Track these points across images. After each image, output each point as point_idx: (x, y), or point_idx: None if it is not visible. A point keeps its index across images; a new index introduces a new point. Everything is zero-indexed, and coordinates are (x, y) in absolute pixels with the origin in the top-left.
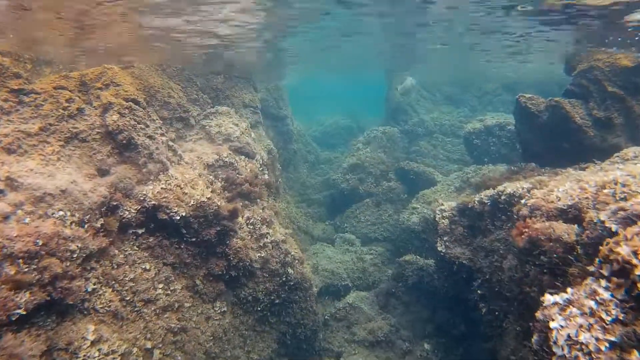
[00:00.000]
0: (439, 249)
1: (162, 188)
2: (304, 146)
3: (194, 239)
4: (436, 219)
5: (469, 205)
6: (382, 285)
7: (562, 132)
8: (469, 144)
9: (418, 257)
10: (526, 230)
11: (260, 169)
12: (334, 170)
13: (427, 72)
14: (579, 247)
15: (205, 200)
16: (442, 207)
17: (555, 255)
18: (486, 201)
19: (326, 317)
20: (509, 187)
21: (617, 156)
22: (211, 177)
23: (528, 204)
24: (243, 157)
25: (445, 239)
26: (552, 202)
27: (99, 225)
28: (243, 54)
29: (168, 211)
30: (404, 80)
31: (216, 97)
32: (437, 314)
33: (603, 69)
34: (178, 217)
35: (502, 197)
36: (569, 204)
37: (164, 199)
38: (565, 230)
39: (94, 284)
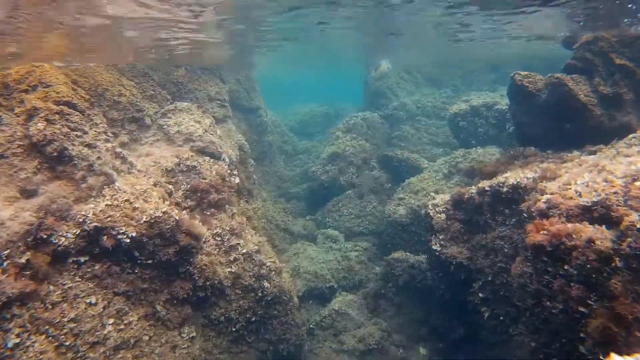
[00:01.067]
0: (434, 247)
1: (106, 205)
2: (280, 137)
3: (150, 261)
4: (430, 214)
5: (464, 197)
6: (371, 285)
7: (564, 112)
8: (454, 126)
9: (408, 253)
10: (544, 232)
11: (229, 170)
12: (312, 161)
13: (406, 53)
14: (617, 258)
15: (161, 215)
16: (435, 202)
17: (588, 267)
18: (486, 192)
19: (311, 325)
20: (512, 177)
21: (634, 137)
22: (170, 184)
23: (542, 200)
24: (207, 158)
25: (440, 237)
26: (572, 198)
27: (24, 262)
28: (206, 46)
29: (115, 232)
30: (378, 64)
31: (177, 92)
32: (432, 317)
33: (609, 39)
34: (128, 239)
35: (505, 189)
36: (594, 200)
37: (109, 219)
38: (597, 236)
39: (17, 336)
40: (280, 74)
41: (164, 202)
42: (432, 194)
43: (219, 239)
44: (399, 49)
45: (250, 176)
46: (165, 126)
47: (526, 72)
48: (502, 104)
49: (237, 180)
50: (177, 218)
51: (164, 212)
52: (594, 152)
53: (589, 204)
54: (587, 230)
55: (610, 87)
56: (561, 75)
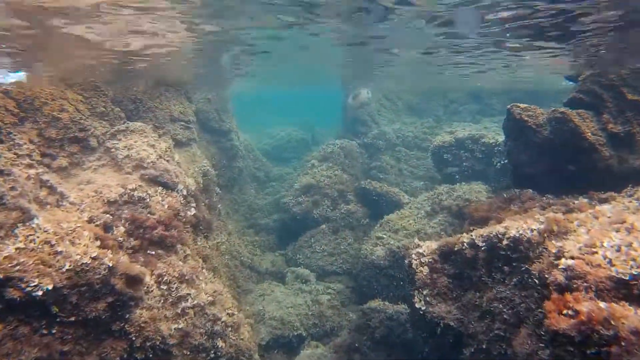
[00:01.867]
0: (417, 305)
1: (16, 249)
2: (252, 162)
3: (73, 318)
4: (412, 265)
5: (455, 248)
6: (344, 335)
7: (567, 151)
8: (438, 159)
9: (386, 303)
10: (569, 313)
11: (184, 203)
12: (286, 189)
13: (387, 79)
14: None
15: (89, 262)
16: (420, 250)
17: None
18: (480, 244)
19: None
20: (512, 228)
21: None
22: (111, 220)
23: (561, 266)
24: (160, 188)
25: (424, 292)
26: (601, 266)
27: None
28: (173, 60)
29: (23, 285)
30: (358, 92)
31: (135, 110)
32: None
33: (620, 73)
34: (41, 292)
35: (504, 242)
36: (633, 272)
37: (17, 267)
38: None
39: None
40: (256, 93)
41: (96, 244)
42: (417, 240)
43: (165, 287)
44: (380, 76)
45: (214, 206)
46: (113, 149)
47: (525, 105)
48: (488, 138)
49: (194, 213)
50: (110, 265)
51: (93, 258)
52: (606, 201)
53: (627, 277)
54: (630, 315)
55: (621, 126)
56: (566, 109)
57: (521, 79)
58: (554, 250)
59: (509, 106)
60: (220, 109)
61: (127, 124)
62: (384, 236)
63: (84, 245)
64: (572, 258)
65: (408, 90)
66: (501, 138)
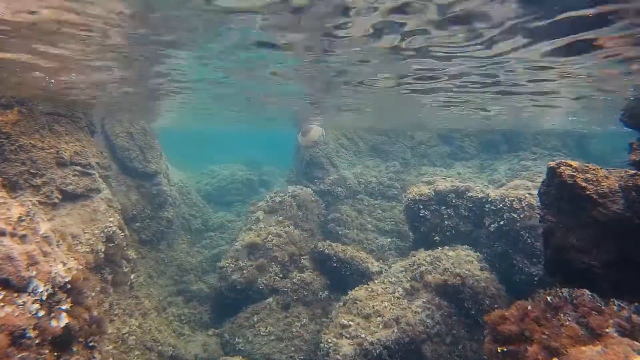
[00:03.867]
0: None
1: None
2: (187, 208)
3: None
4: None
5: None
6: None
7: None
8: (412, 215)
9: None
10: None
11: (45, 309)
12: (226, 241)
13: (347, 116)
14: None
15: None
16: None
17: None
18: None
19: None
20: None
21: None
22: None
23: None
24: None
25: None
26: None
27: None
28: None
29: None
30: (308, 128)
31: None
32: None
33: None
34: None
35: None
36: None
37: None
38: None
39: None
40: (194, 124)
41: None
42: None
43: None
44: (336, 110)
45: (122, 281)
46: None
47: (579, 164)
48: (476, 192)
49: (65, 324)
50: None
51: None
52: None
53: None
54: None
55: None
56: None
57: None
58: None
59: (553, 163)
60: (145, 146)
61: None
62: (351, 324)
63: None
64: None
65: (370, 129)
66: (492, 192)
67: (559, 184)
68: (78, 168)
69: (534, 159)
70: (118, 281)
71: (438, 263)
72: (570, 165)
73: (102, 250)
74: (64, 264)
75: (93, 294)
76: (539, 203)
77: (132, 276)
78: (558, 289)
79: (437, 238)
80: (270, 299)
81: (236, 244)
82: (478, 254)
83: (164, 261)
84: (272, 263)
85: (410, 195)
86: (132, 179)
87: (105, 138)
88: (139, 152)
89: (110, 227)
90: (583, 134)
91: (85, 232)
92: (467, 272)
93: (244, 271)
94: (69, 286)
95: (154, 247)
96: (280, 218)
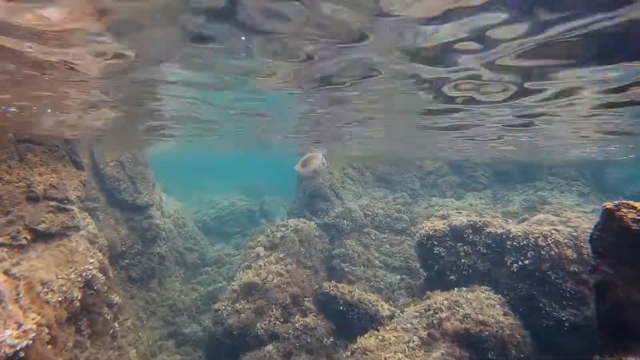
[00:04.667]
0: None
1: None
2: (183, 241)
3: None
4: None
5: None
6: None
7: None
8: (425, 252)
9: None
10: None
11: None
12: (224, 277)
13: (354, 145)
14: None
15: None
16: None
17: None
18: None
19: None
20: None
21: None
22: None
23: None
24: None
25: None
26: None
27: None
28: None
29: None
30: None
31: None
32: None
33: None
34: None
35: None
36: None
37: None
38: None
39: None
40: (196, 154)
41: None
42: None
43: None
44: (344, 136)
45: (105, 330)
46: None
47: None
48: (495, 227)
49: None
50: None
51: None
52: None
53: None
54: None
55: None
56: None
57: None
58: None
59: (609, 205)
60: (137, 176)
61: None
62: None
63: None
64: None
65: (377, 158)
66: (513, 227)
67: (619, 230)
68: (53, 203)
69: (551, 188)
70: (97, 331)
71: (457, 308)
72: (634, 208)
73: (79, 297)
74: (19, 326)
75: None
76: (590, 251)
77: (115, 324)
78: (616, 355)
79: (452, 277)
80: (270, 346)
81: (233, 283)
82: (500, 296)
83: (155, 301)
84: (273, 305)
85: (423, 231)
86: (122, 212)
87: (94, 167)
88: (129, 182)
89: (89, 270)
90: (601, 162)
91: (58, 278)
92: (489, 318)
93: (241, 315)
94: (22, 355)
95: (144, 285)
96: (282, 255)
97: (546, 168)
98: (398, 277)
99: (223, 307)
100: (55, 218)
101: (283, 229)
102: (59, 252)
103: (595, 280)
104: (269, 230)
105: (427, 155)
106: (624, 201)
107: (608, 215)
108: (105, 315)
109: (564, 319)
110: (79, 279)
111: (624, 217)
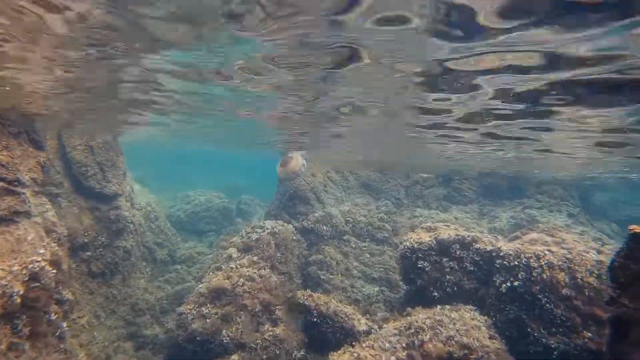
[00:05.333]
0: None
1: None
2: (153, 236)
3: None
4: None
5: None
6: None
7: None
8: (409, 266)
9: None
10: None
11: None
12: (194, 278)
13: (339, 148)
14: None
15: None
16: None
17: None
18: None
19: None
20: None
21: None
22: None
23: None
24: None
25: None
26: None
27: None
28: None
29: None
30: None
31: None
32: None
33: None
34: None
35: None
36: None
37: None
38: None
39: None
40: (178, 145)
41: None
42: None
43: None
44: (330, 139)
45: (49, 330)
46: None
47: None
48: (484, 243)
49: None
50: None
51: None
52: None
53: None
54: None
55: None
56: None
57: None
58: None
59: (637, 229)
60: (107, 163)
61: None
62: None
63: None
64: None
65: (361, 163)
66: (504, 245)
67: None
68: (0, 184)
69: (539, 207)
70: (40, 332)
71: (440, 328)
72: None
73: (20, 292)
74: None
75: None
76: (608, 279)
77: (63, 324)
78: None
79: (435, 294)
80: (235, 356)
81: (201, 286)
82: (486, 318)
83: (116, 298)
84: (241, 312)
85: (407, 243)
86: (87, 200)
87: (61, 149)
88: (97, 169)
89: (37, 262)
90: (589, 184)
91: None
92: (475, 341)
93: (208, 320)
94: None
95: (105, 281)
96: (255, 258)
97: (534, 186)
98: (377, 288)
99: (188, 311)
100: (1, 201)
101: (259, 230)
102: (2, 240)
103: (613, 314)
104: (244, 230)
105: (420, 164)
106: None
107: (636, 241)
108: (52, 314)
109: (552, 346)
110: (24, 271)
111: None
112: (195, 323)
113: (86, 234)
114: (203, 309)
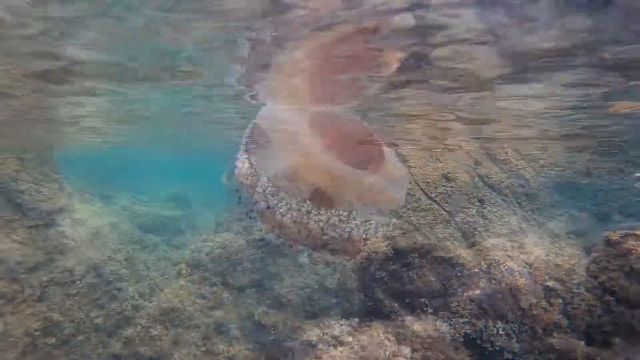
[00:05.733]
0: None
1: None
2: (97, 252)
3: None
4: None
5: None
6: None
7: None
8: (366, 277)
9: None
10: None
11: None
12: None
13: None
14: None
15: None
16: None
17: None
18: None
19: None
20: None
21: None
22: None
23: None
24: None
25: None
26: None
27: None
28: None
29: None
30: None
31: None
32: None
33: None
34: None
35: None
36: None
37: None
38: None
39: None
40: (120, 151)
41: None
42: None
43: None
44: None
45: None
46: None
47: None
48: (443, 249)
49: None
50: None
51: None
52: None
53: None
54: None
55: None
56: None
57: None
58: None
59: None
60: (41, 177)
61: None
62: None
63: None
64: None
65: None
66: (463, 252)
67: None
68: None
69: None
70: None
71: (403, 341)
72: None
73: None
74: None
75: None
76: None
77: None
78: None
79: (395, 305)
80: None
81: (149, 305)
82: (449, 327)
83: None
84: (192, 331)
85: (363, 253)
86: (22, 218)
87: None
88: (32, 184)
89: None
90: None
91: None
92: (440, 354)
93: (157, 342)
94: None
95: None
96: (206, 275)
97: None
98: (334, 300)
99: (136, 333)
100: None
101: (210, 243)
102: None
103: None
104: (193, 245)
105: None
106: None
107: None
108: None
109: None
110: None
111: None
112: (144, 346)
113: (23, 255)
114: (152, 330)
